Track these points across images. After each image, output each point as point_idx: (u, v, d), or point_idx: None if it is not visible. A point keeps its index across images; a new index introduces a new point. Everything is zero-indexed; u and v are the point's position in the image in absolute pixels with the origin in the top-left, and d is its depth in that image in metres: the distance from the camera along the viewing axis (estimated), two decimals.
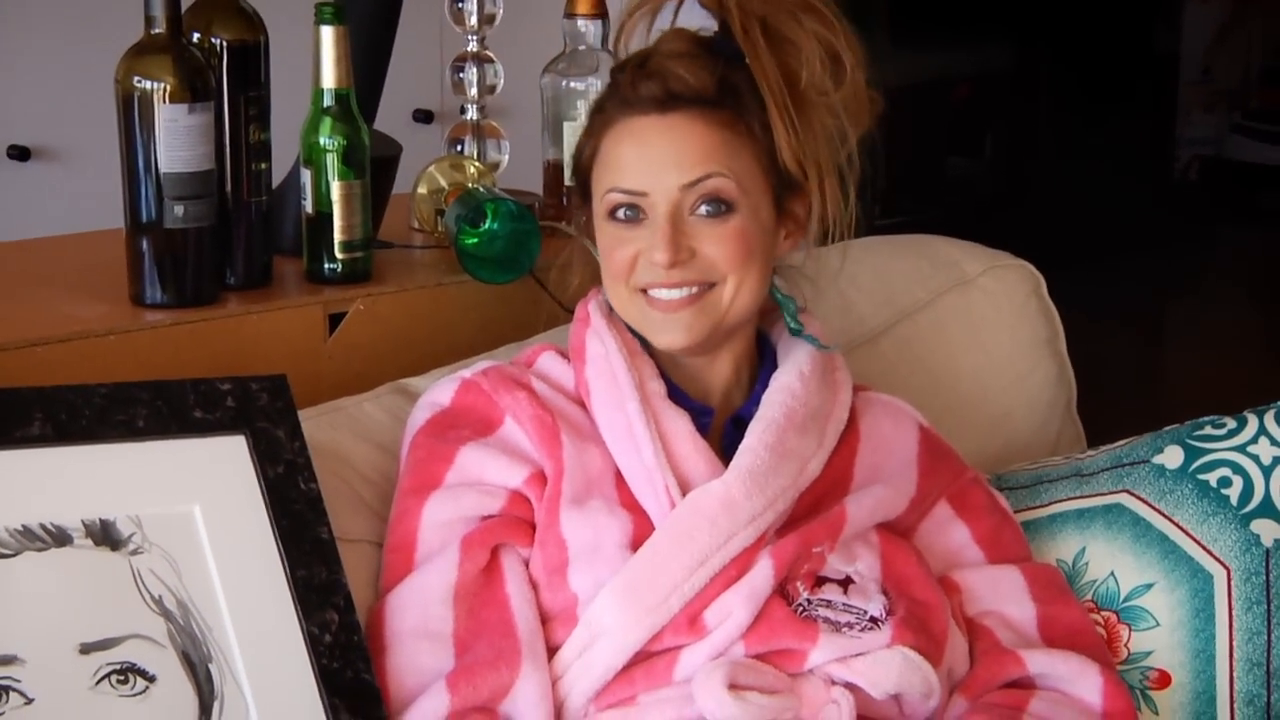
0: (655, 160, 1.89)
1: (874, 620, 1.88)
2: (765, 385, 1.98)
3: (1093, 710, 1.91)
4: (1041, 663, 1.93)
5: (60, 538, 1.79)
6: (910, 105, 5.96)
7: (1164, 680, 2.04)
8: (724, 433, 1.98)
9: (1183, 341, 6.20)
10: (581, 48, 2.54)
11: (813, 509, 1.93)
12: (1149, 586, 2.06)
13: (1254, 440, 2.05)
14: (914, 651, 1.87)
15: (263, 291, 2.29)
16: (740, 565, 1.86)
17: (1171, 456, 2.09)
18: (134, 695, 1.75)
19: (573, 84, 2.54)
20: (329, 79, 2.28)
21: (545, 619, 1.87)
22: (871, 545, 1.95)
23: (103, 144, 2.83)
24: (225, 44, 2.24)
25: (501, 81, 2.58)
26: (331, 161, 2.28)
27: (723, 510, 1.86)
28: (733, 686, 1.79)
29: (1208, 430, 2.10)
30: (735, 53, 1.91)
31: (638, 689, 1.84)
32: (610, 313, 1.99)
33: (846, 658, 1.85)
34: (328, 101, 2.28)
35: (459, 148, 2.57)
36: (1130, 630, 2.05)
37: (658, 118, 1.90)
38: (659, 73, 1.90)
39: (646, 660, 1.84)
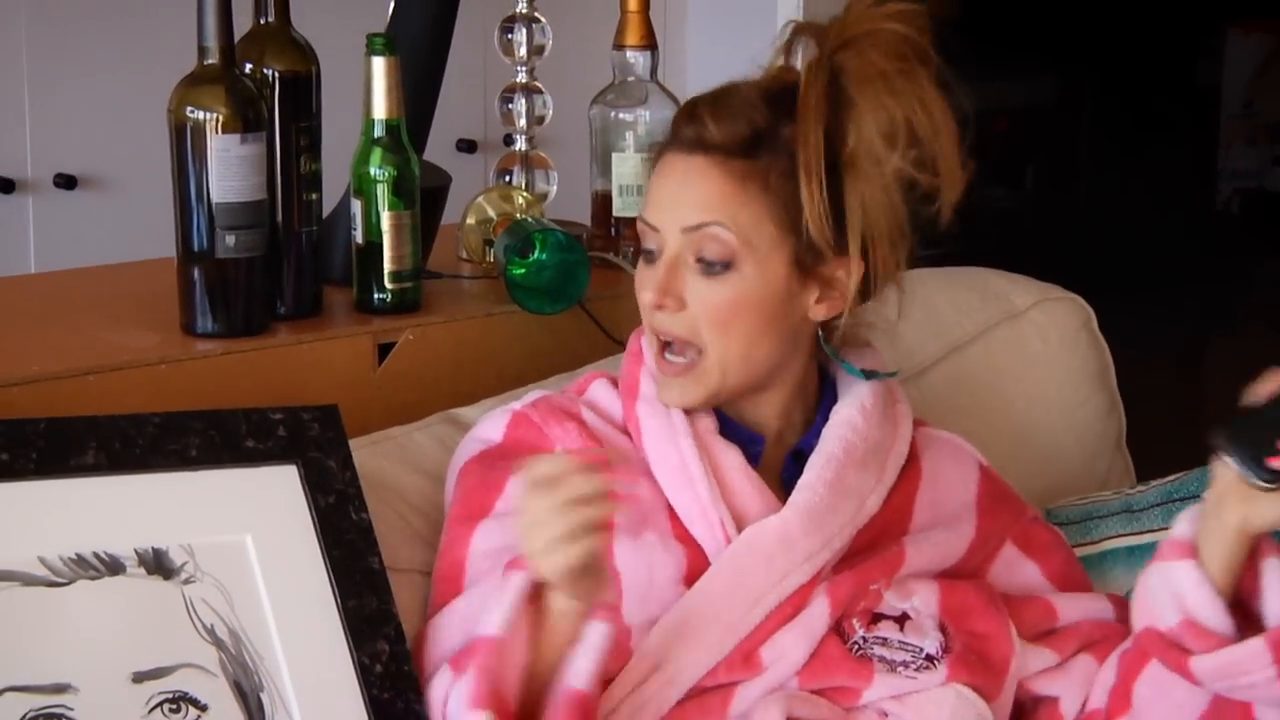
0: (669, 196, 1.90)
1: (930, 659, 1.87)
2: (825, 418, 1.96)
3: None
4: None
5: (113, 566, 1.80)
6: None
7: None
8: (784, 466, 1.96)
9: (1222, 376, 6.17)
10: (630, 79, 2.54)
11: (871, 544, 1.92)
12: None
13: None
14: (969, 689, 1.86)
15: (313, 321, 2.30)
16: (796, 603, 1.85)
17: None
18: None
19: (621, 115, 2.54)
20: (380, 110, 2.28)
21: None
22: (929, 581, 1.93)
23: (149, 173, 2.87)
24: (277, 75, 2.24)
25: (550, 112, 2.58)
26: (382, 192, 2.29)
27: (780, 548, 1.85)
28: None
29: None
30: (791, 104, 1.88)
31: None
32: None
33: (901, 695, 1.85)
34: (378, 132, 2.29)
35: (507, 178, 2.57)
36: None
37: (684, 157, 1.89)
38: (698, 117, 1.89)
39: (701, 695, 1.83)
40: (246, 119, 2.16)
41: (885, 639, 1.87)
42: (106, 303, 2.35)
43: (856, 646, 1.86)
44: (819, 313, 1.91)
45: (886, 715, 1.85)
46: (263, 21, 2.26)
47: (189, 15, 2.14)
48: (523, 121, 2.57)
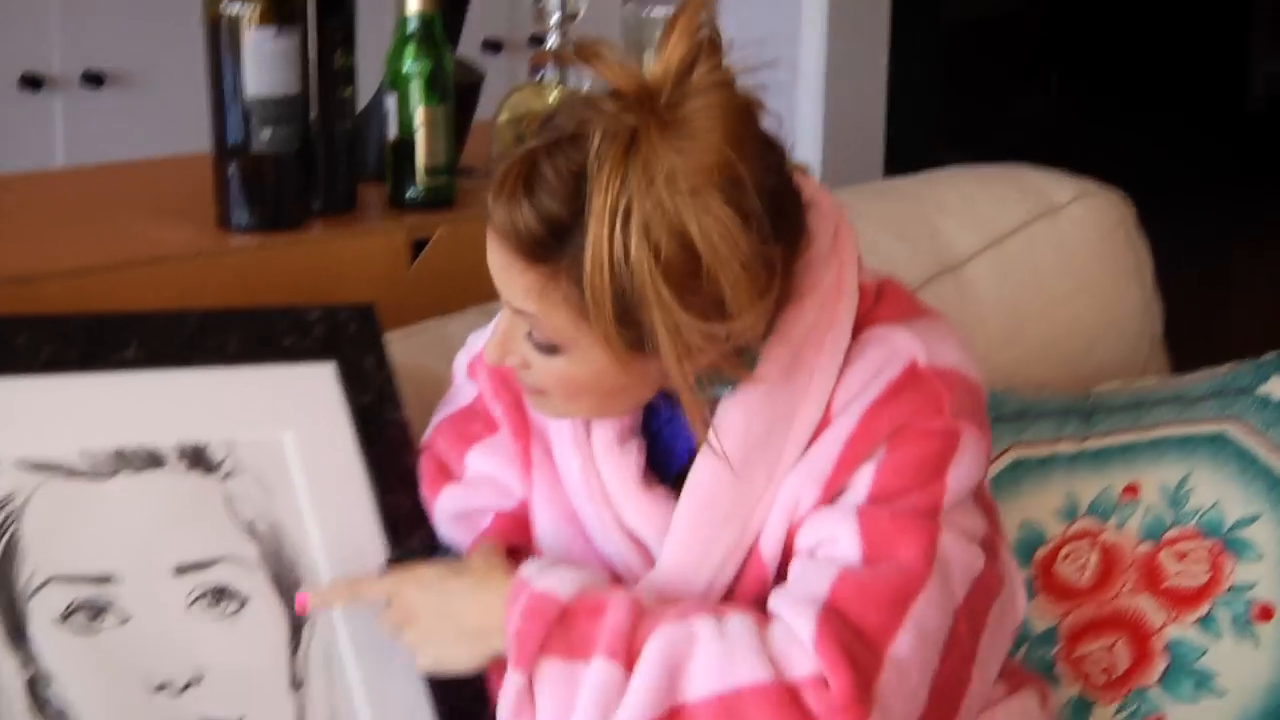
0: (495, 269, 1.68)
1: None
2: None
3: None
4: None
5: (154, 460, 1.81)
6: (974, 41, 5.98)
7: (1267, 614, 2.00)
8: None
9: (1251, 275, 6.16)
10: None
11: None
12: (1254, 519, 2.03)
13: None
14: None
15: (347, 217, 2.31)
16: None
17: (1276, 387, 2.06)
18: (227, 616, 1.78)
19: (653, 13, 2.54)
20: (414, 4, 2.28)
21: None
22: None
23: (175, 70, 2.85)
24: None
25: (583, 10, 2.57)
26: (416, 87, 2.29)
27: (679, 589, 1.74)
28: None
29: None
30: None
31: None
32: None
33: None
34: (412, 27, 2.29)
35: (540, 76, 2.57)
36: (1235, 561, 2.03)
37: (497, 238, 1.65)
38: (499, 195, 1.63)
39: None
40: (281, 12, 2.15)
41: None
42: (141, 198, 2.36)
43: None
44: (688, 370, 1.65)
45: None
46: None
47: None
48: (555, 19, 2.56)
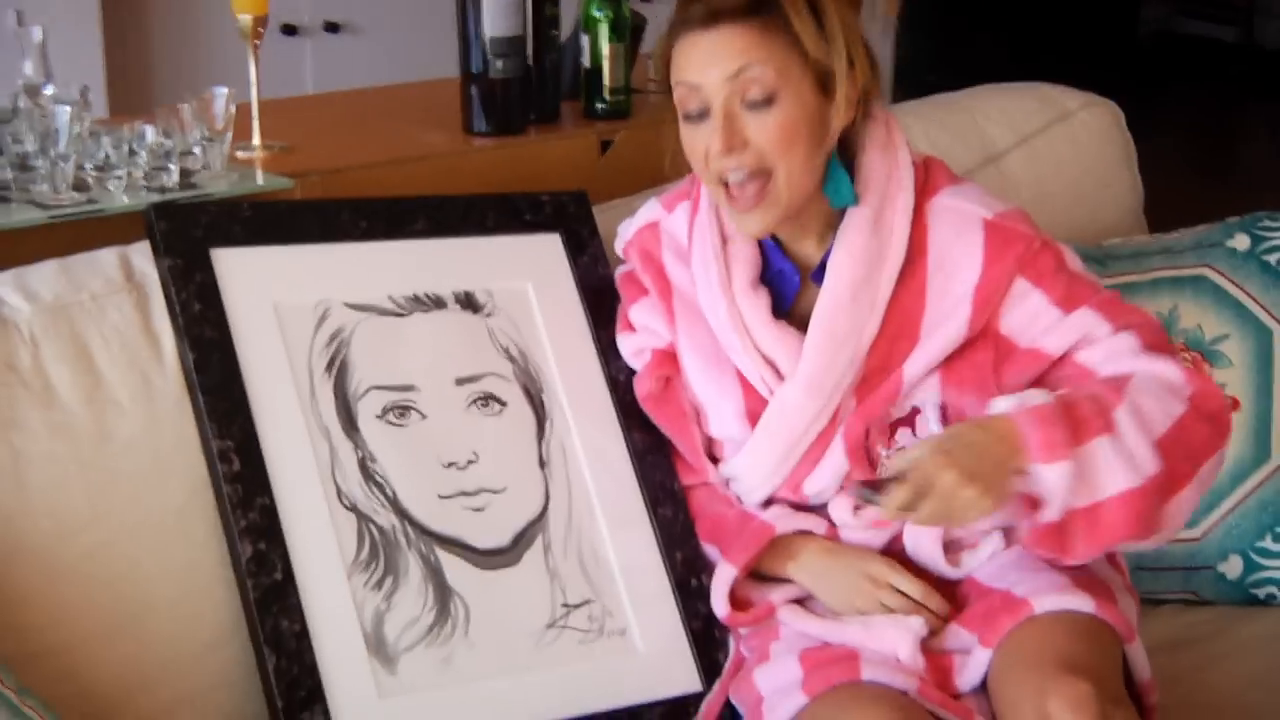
0: (705, 61, 1.64)
1: None
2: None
3: (1178, 385, 1.64)
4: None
5: (438, 302, 1.81)
6: None
7: (1235, 405, 1.97)
8: (814, 280, 1.73)
9: (1144, 172, 6.08)
10: None
11: (883, 358, 1.70)
12: (1225, 337, 2.00)
13: None
14: None
15: (554, 125, 2.28)
16: (819, 448, 1.71)
17: (1240, 241, 2.01)
18: (494, 415, 1.78)
19: None
20: None
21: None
22: (933, 373, 1.70)
23: (391, 21, 2.75)
24: None
25: None
26: (603, 30, 2.26)
27: (796, 412, 1.69)
28: (855, 507, 1.72)
29: (1266, 222, 2.01)
30: None
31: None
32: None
33: None
34: None
35: None
36: (1211, 367, 2.00)
37: (705, 32, 1.64)
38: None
39: (783, 491, 1.76)
40: None
41: (903, 448, 1.69)
42: (403, 112, 2.34)
43: (882, 467, 1.70)
44: (840, 121, 1.67)
45: None
46: None
47: None
48: None
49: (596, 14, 2.25)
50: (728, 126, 1.64)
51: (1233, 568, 1.91)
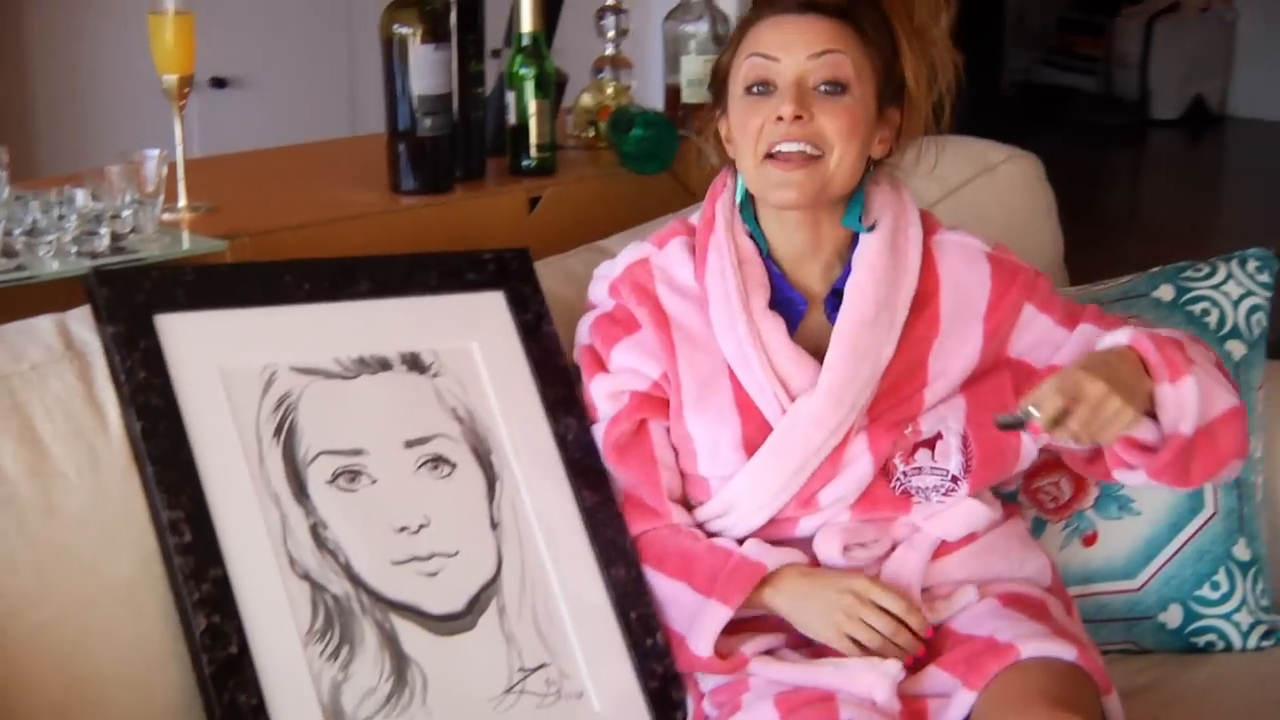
0: (790, 37, 1.69)
1: (954, 479, 1.72)
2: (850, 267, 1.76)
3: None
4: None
5: (384, 364, 1.78)
6: None
7: None
8: (826, 307, 1.76)
9: None
10: (693, 0, 2.49)
11: (900, 376, 1.73)
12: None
13: (1225, 281, 2.00)
14: (982, 500, 1.76)
15: (481, 183, 2.25)
16: (836, 459, 1.70)
17: (1165, 292, 2.02)
18: (444, 477, 1.75)
19: (686, 28, 2.50)
20: (527, 25, 2.24)
21: (686, 483, 1.78)
22: (957, 404, 1.75)
23: (279, 75, 2.70)
24: (455, 0, 2.18)
25: (631, 27, 2.52)
26: (529, 86, 2.24)
27: (814, 424, 1.69)
28: (845, 548, 1.71)
29: (1189, 273, 2.03)
30: None
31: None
32: (733, 215, 1.78)
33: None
34: (525, 42, 2.24)
35: (601, 75, 2.52)
36: None
37: (797, 15, 1.70)
38: None
39: (771, 524, 1.74)
40: (436, 32, 2.10)
41: (920, 468, 1.72)
42: (327, 169, 2.31)
43: (899, 483, 1.72)
44: (877, 148, 1.75)
45: (919, 528, 1.74)
46: None
47: None
48: (612, 33, 2.52)
49: (521, 71, 2.24)
50: (801, 97, 1.67)
51: (1173, 617, 1.93)
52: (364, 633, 1.63)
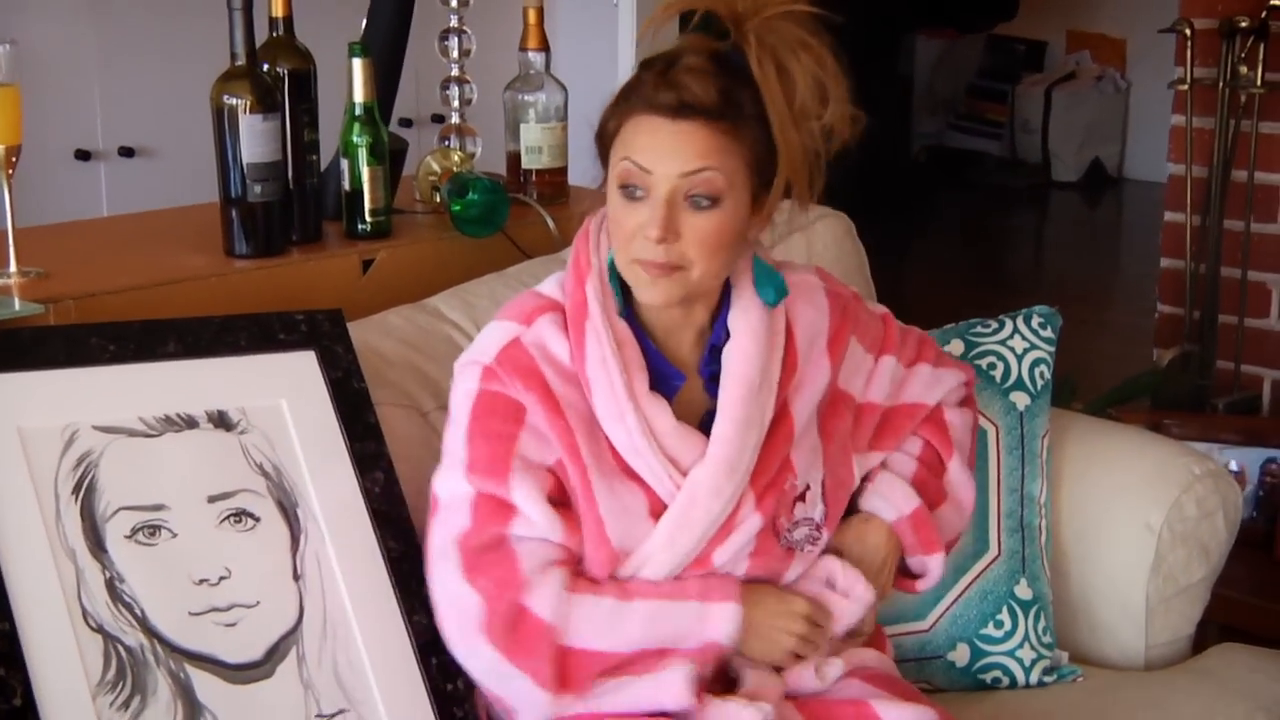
0: (664, 151, 1.61)
1: (819, 527, 1.75)
2: (728, 310, 1.74)
3: (964, 393, 1.89)
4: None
5: (190, 422, 1.77)
6: None
7: None
8: (703, 376, 1.74)
9: (920, 269, 6.27)
10: (532, 72, 2.52)
11: (774, 423, 1.73)
12: None
13: (1011, 336, 2.04)
14: (835, 553, 1.80)
15: (315, 245, 2.26)
16: (730, 522, 1.70)
17: (956, 347, 2.05)
18: (246, 531, 1.75)
19: (525, 98, 2.52)
20: (359, 95, 2.25)
21: (591, 556, 1.71)
22: (815, 449, 1.77)
23: (184, 144, 2.71)
24: (287, 72, 2.20)
25: (475, 97, 2.55)
26: (362, 154, 2.26)
27: (712, 495, 1.69)
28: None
29: (979, 329, 2.06)
30: (745, 74, 1.62)
31: None
32: (606, 298, 1.71)
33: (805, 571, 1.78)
34: (358, 111, 2.25)
35: (446, 143, 2.54)
36: None
37: (670, 121, 1.61)
38: (676, 85, 1.60)
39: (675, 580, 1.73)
40: (266, 103, 2.11)
41: (796, 521, 1.74)
42: (166, 236, 2.30)
43: (785, 539, 1.73)
44: (754, 231, 1.71)
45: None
46: (275, 34, 2.22)
47: (221, 26, 2.09)
48: (456, 103, 2.54)
49: (356, 139, 2.25)
50: (669, 217, 1.61)
51: (961, 656, 1.94)
52: (157, 683, 1.62)
